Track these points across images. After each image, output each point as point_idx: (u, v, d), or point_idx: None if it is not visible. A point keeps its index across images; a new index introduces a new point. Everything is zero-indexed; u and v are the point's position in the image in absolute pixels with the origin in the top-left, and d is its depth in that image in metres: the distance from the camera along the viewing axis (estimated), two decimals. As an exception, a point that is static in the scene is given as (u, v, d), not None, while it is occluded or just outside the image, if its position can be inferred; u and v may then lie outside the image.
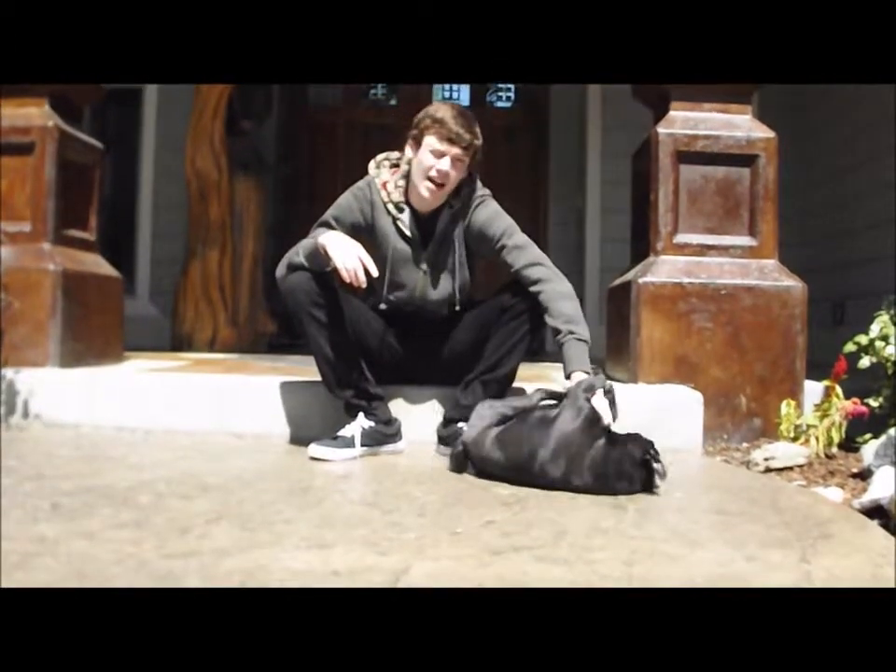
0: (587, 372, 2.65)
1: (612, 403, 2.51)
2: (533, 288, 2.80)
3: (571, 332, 2.71)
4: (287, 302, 2.81)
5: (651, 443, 2.38)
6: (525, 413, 2.56)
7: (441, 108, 2.81)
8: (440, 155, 2.78)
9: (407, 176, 2.89)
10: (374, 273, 2.67)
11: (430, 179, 2.80)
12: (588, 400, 2.44)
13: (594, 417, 2.41)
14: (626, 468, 2.34)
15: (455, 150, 2.78)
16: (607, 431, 2.41)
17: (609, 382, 2.56)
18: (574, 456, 2.35)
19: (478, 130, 2.81)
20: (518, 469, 2.42)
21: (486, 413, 2.60)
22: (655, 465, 2.33)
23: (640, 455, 2.34)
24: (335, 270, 2.65)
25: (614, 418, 2.48)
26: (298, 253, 2.79)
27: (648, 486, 2.34)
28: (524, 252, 2.86)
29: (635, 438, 2.42)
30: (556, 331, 2.74)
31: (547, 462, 2.37)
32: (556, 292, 2.78)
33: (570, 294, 2.81)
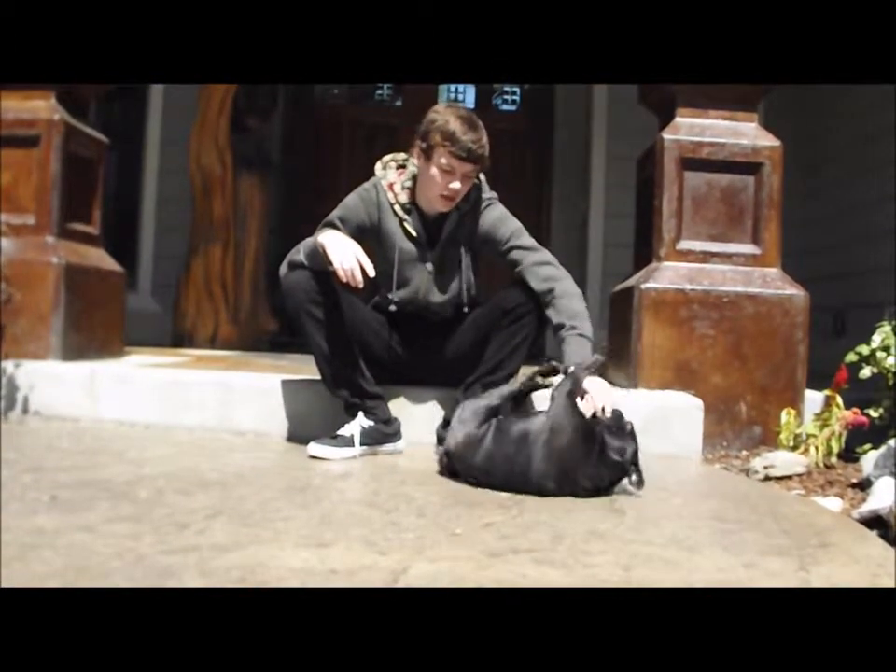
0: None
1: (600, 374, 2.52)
2: (542, 286, 2.80)
3: (574, 328, 2.70)
4: (286, 301, 2.81)
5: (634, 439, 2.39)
6: (505, 424, 2.50)
7: (449, 119, 2.74)
8: (451, 174, 2.76)
9: (414, 178, 2.89)
10: (371, 273, 2.67)
11: (442, 196, 2.81)
12: (576, 408, 2.39)
13: (587, 431, 2.37)
14: (616, 471, 2.36)
15: (467, 168, 2.77)
16: (598, 436, 2.37)
17: (597, 357, 2.55)
18: (567, 470, 2.34)
19: (486, 139, 2.77)
20: (512, 485, 2.39)
21: (467, 415, 2.56)
22: (636, 475, 2.36)
23: (629, 460, 2.35)
24: (333, 270, 2.65)
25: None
26: (299, 252, 2.80)
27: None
28: (533, 253, 2.87)
29: (622, 443, 2.37)
30: (559, 326, 2.73)
31: (542, 478, 2.35)
32: (565, 290, 2.79)
33: (578, 294, 2.82)
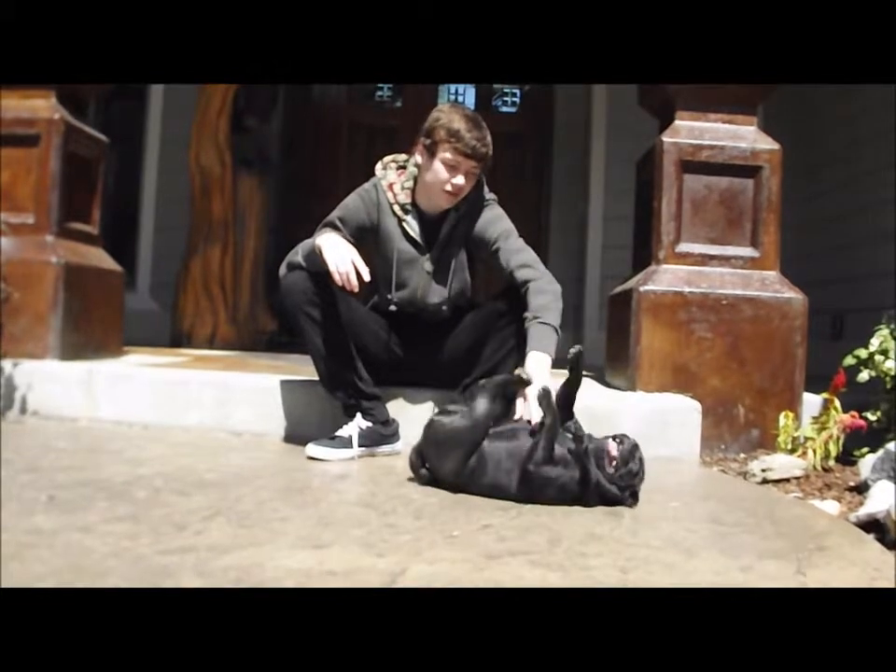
0: (548, 353, 2.61)
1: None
2: (522, 290, 2.79)
3: (536, 317, 2.68)
4: (284, 301, 2.82)
5: (639, 468, 2.31)
6: (488, 453, 2.37)
7: (454, 117, 2.76)
8: (455, 169, 2.77)
9: (414, 179, 2.89)
10: (366, 277, 2.67)
11: (445, 191, 2.81)
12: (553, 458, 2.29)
13: (576, 479, 2.29)
14: (610, 499, 2.31)
15: (471, 164, 2.78)
16: (590, 472, 2.28)
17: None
18: (560, 499, 2.30)
19: (489, 138, 2.80)
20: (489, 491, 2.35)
21: (442, 460, 2.43)
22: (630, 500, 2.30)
23: (622, 494, 2.28)
24: (329, 272, 2.65)
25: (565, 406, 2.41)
26: (297, 253, 2.82)
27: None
28: (517, 254, 2.86)
29: (622, 485, 2.29)
30: (524, 320, 2.71)
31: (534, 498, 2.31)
32: (536, 288, 2.75)
33: (551, 291, 2.76)
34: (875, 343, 3.13)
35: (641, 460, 2.32)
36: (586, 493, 2.27)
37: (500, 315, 2.86)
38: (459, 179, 2.79)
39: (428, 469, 2.46)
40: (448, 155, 2.76)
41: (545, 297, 2.75)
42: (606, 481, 2.27)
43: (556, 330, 2.68)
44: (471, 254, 3.01)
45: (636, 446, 2.33)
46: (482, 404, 2.43)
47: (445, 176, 2.78)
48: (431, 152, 2.79)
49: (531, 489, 2.29)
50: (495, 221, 2.92)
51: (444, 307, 3.00)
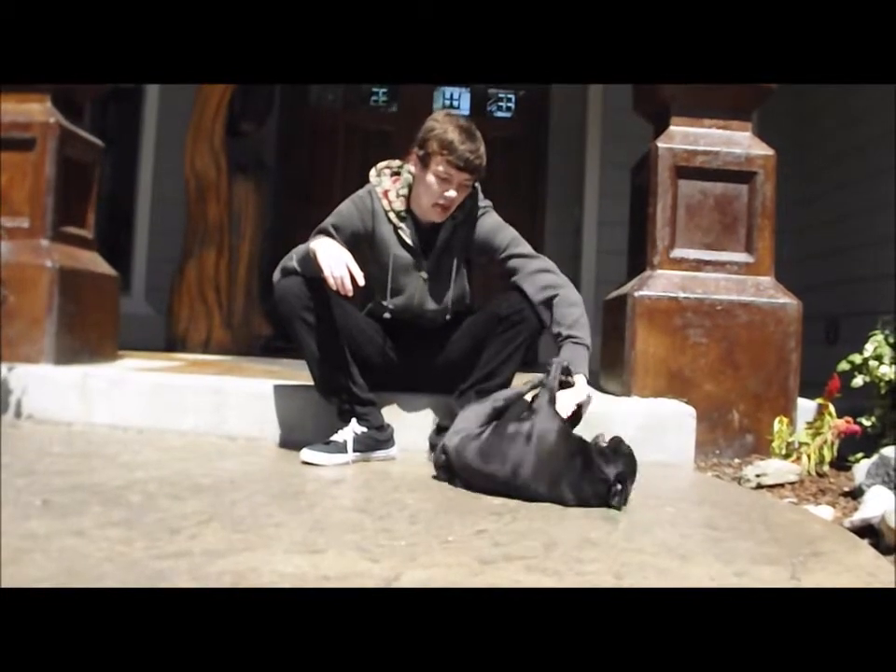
0: (584, 374, 2.69)
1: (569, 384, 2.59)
2: (541, 295, 2.80)
3: (569, 336, 2.74)
4: (279, 306, 2.81)
5: (628, 462, 2.37)
6: (502, 426, 2.50)
7: (448, 128, 2.75)
8: (448, 182, 2.77)
9: (409, 186, 2.89)
10: (361, 282, 2.67)
11: (437, 204, 2.81)
12: (556, 413, 2.45)
13: (566, 435, 2.41)
14: (600, 489, 2.33)
15: (463, 177, 2.78)
16: (582, 448, 2.38)
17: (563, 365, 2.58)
18: (554, 476, 2.35)
19: (483, 149, 2.78)
20: (504, 484, 2.41)
21: (471, 415, 2.59)
22: (617, 497, 2.32)
23: (613, 480, 2.32)
24: (324, 276, 2.66)
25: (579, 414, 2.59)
26: (292, 258, 2.81)
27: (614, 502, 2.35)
28: (532, 260, 2.88)
29: (610, 456, 2.36)
30: (556, 336, 2.77)
31: (530, 480, 2.36)
32: (563, 299, 2.81)
33: (577, 301, 2.83)
34: (869, 348, 3.14)
35: (629, 448, 2.42)
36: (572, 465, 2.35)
37: (499, 320, 2.86)
38: (451, 192, 2.79)
39: (445, 446, 2.57)
40: (440, 168, 2.75)
41: (576, 310, 2.81)
42: (596, 455, 2.35)
43: (588, 348, 2.76)
44: (470, 261, 3.01)
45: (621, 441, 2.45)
46: (513, 390, 2.66)
47: (437, 190, 2.78)
48: (424, 163, 2.79)
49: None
50: (500, 229, 2.93)
51: (441, 314, 2.99)
